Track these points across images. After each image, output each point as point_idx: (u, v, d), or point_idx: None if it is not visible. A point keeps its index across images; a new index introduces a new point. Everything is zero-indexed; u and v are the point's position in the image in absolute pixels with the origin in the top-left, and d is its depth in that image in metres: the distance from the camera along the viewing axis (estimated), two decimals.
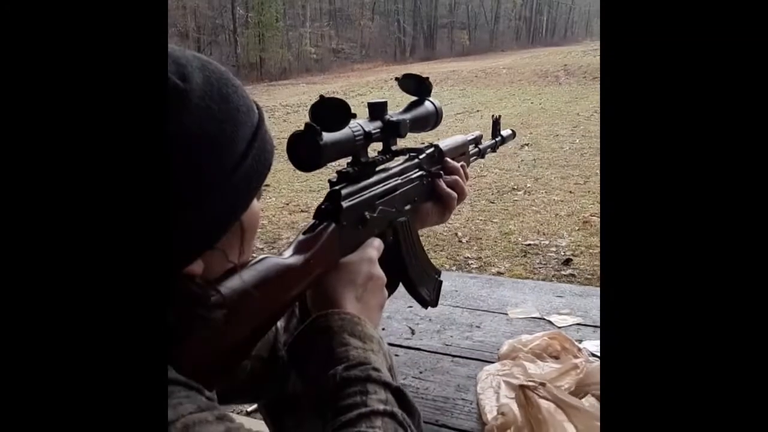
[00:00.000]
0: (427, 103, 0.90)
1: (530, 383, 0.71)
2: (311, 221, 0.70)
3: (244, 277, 0.59)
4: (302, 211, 4.84)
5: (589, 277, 3.41)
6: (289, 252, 0.65)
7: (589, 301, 1.23)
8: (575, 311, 1.18)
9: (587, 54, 18.31)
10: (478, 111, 9.95)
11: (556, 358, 1.00)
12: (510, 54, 24.51)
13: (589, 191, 5.00)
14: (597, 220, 4.26)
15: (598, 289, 1.31)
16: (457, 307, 1.24)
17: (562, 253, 3.74)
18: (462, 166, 0.96)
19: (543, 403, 0.71)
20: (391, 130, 0.79)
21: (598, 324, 1.13)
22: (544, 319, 1.17)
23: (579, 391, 0.88)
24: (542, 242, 3.94)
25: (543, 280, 3.35)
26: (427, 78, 0.91)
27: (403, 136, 0.81)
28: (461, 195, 0.93)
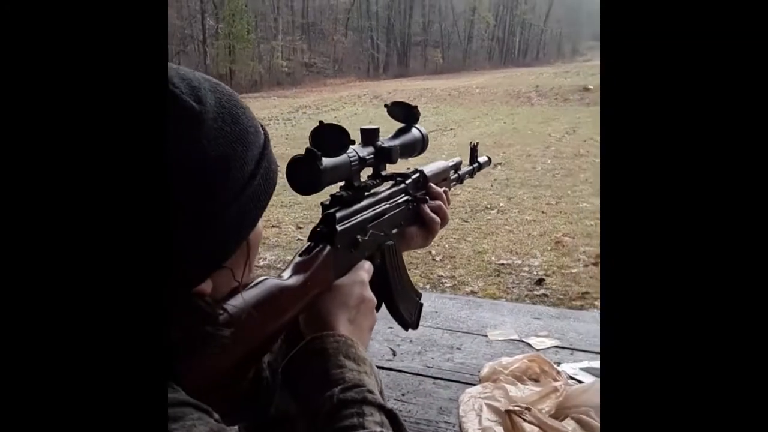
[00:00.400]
0: (414, 129, 0.92)
1: (516, 408, 0.72)
2: (307, 243, 0.72)
3: (248, 297, 0.61)
4: (273, 226, 4.81)
5: (561, 297, 3.46)
6: (287, 273, 0.67)
7: (566, 324, 1.25)
8: (553, 333, 1.21)
9: (558, 75, 18.73)
10: (451, 129, 10.07)
11: (536, 380, 1.02)
12: (483, 73, 24.91)
13: (561, 212, 5.09)
14: (569, 240, 4.34)
15: (574, 311, 1.34)
16: (438, 328, 1.25)
17: (535, 273, 3.79)
18: (445, 191, 0.99)
19: (528, 427, 0.72)
20: (383, 156, 0.82)
21: (575, 347, 1.16)
22: (522, 341, 1.19)
23: (559, 414, 0.90)
24: (515, 262, 3.99)
25: (516, 299, 3.40)
26: (416, 106, 0.94)
27: (394, 162, 0.84)
28: (444, 220, 0.95)
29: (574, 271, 3.81)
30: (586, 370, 1.05)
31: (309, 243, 0.72)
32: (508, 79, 19.13)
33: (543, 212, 5.11)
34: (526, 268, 3.88)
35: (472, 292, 3.52)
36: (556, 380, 0.99)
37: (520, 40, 35.48)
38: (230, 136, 0.52)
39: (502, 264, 3.95)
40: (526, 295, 3.50)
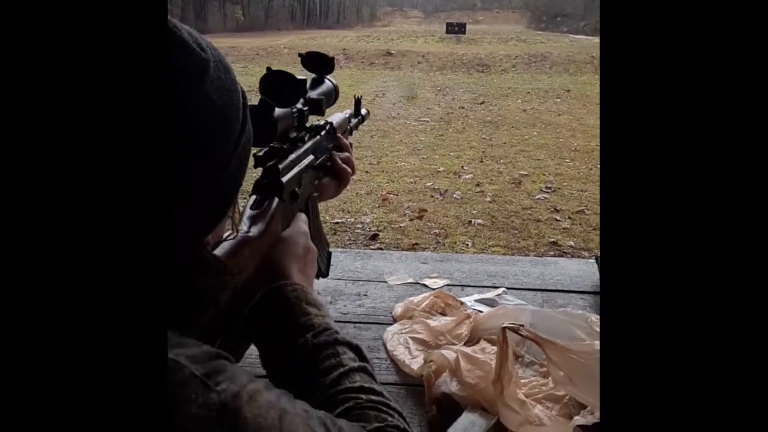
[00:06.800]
0: (327, 81, 0.95)
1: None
2: (254, 196, 0.72)
3: (228, 249, 0.62)
4: None
5: (395, 249, 3.73)
6: (245, 227, 0.68)
7: (449, 265, 1.42)
8: (442, 274, 1.37)
9: (361, 39, 19.19)
10: None
11: (443, 314, 1.17)
12: (287, 34, 24.56)
13: (383, 171, 5.38)
14: (393, 197, 4.64)
15: (453, 254, 1.52)
16: (340, 279, 1.34)
17: (368, 229, 4.01)
18: (350, 143, 1.05)
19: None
20: (313, 108, 0.84)
21: (463, 283, 1.33)
22: (419, 283, 1.33)
23: (473, 337, 1.06)
24: (348, 220, 4.17)
25: None
26: (333, 58, 0.97)
27: (322, 114, 0.86)
28: (353, 170, 1.01)
29: (402, 225, 4.12)
30: (480, 301, 1.22)
31: (255, 196, 0.72)
32: (314, 40, 19.16)
33: (367, 172, 5.35)
34: (360, 225, 4.09)
35: None
36: (463, 310, 1.14)
37: (321, 1, 35.54)
38: (227, 84, 0.53)
39: (337, 223, 4.12)
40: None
